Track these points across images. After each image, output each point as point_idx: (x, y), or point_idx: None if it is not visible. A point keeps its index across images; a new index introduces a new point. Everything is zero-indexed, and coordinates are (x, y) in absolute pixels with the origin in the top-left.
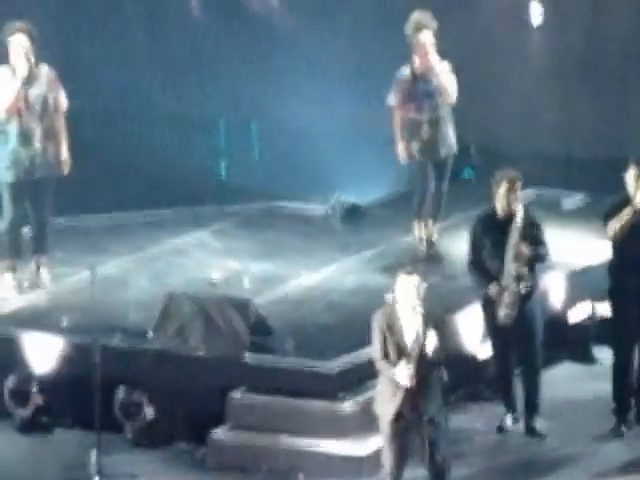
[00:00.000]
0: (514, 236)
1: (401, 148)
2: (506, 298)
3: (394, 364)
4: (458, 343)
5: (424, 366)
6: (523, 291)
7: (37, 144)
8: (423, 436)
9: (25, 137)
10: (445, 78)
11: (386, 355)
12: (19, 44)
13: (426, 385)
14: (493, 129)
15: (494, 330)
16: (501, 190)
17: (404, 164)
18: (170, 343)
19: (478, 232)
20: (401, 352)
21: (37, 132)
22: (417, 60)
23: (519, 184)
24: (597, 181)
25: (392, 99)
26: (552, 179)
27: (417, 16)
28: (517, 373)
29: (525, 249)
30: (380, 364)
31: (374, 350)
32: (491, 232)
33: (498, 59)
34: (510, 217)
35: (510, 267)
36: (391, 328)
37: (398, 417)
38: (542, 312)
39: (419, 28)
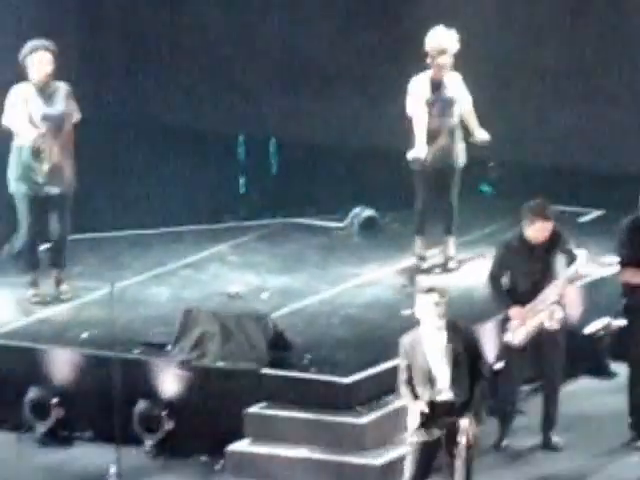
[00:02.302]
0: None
1: (418, 154)
2: (533, 325)
3: (419, 390)
4: None
5: (457, 383)
6: (555, 325)
7: (53, 160)
8: (450, 450)
9: (41, 153)
10: (459, 89)
11: (410, 380)
12: (39, 61)
13: (458, 399)
14: (512, 144)
15: (510, 348)
16: (535, 225)
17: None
18: (189, 357)
19: (509, 258)
20: (426, 376)
21: (53, 149)
22: (433, 72)
23: (552, 216)
24: (612, 197)
25: (410, 107)
26: (568, 194)
27: (441, 37)
28: (533, 389)
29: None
30: (403, 392)
31: (398, 376)
32: (524, 259)
33: (517, 73)
34: (540, 244)
35: (548, 296)
36: (415, 350)
37: (425, 426)
38: (565, 328)
39: (443, 52)
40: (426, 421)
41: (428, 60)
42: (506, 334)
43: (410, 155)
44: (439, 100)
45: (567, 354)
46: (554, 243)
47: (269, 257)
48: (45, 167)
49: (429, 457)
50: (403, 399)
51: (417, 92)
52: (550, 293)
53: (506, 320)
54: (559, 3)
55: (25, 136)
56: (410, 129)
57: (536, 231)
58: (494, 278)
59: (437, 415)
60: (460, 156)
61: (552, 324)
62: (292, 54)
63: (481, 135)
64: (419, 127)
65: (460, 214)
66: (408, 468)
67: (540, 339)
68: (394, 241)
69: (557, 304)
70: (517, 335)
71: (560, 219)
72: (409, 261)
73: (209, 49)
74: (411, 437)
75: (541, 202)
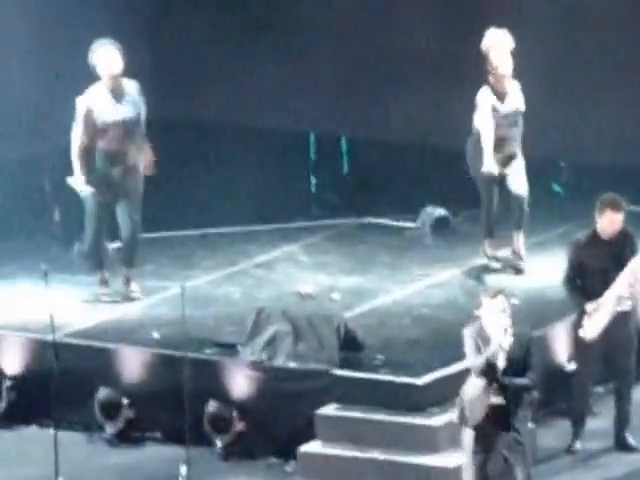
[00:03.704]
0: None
1: (489, 169)
2: (604, 316)
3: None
4: (549, 359)
5: (514, 387)
6: (626, 307)
7: (127, 163)
8: (506, 454)
9: (115, 155)
10: (519, 96)
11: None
12: (108, 58)
13: (514, 402)
14: (582, 144)
15: (583, 347)
16: (605, 216)
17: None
18: (260, 357)
19: (580, 254)
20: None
21: (128, 150)
22: (494, 80)
23: (623, 209)
24: None
25: (478, 121)
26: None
27: (493, 36)
28: (604, 390)
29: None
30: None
31: (471, 359)
32: (595, 255)
33: (589, 73)
34: (613, 239)
35: (617, 289)
36: (483, 346)
37: (482, 432)
38: (635, 327)
39: (494, 47)
40: (481, 429)
41: (488, 69)
42: (580, 330)
43: (482, 171)
44: (503, 110)
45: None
46: (624, 242)
47: (340, 257)
48: (119, 170)
49: (486, 459)
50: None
51: (484, 106)
52: (618, 285)
53: (580, 318)
54: None
55: (75, 185)
56: (478, 143)
57: (606, 223)
58: (569, 278)
59: (491, 420)
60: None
61: (622, 307)
62: (368, 51)
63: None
64: (487, 142)
65: (531, 215)
66: (467, 473)
67: (611, 338)
68: (466, 241)
69: (626, 295)
70: (590, 328)
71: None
72: (480, 261)
73: (280, 47)
74: (467, 445)
75: (613, 194)
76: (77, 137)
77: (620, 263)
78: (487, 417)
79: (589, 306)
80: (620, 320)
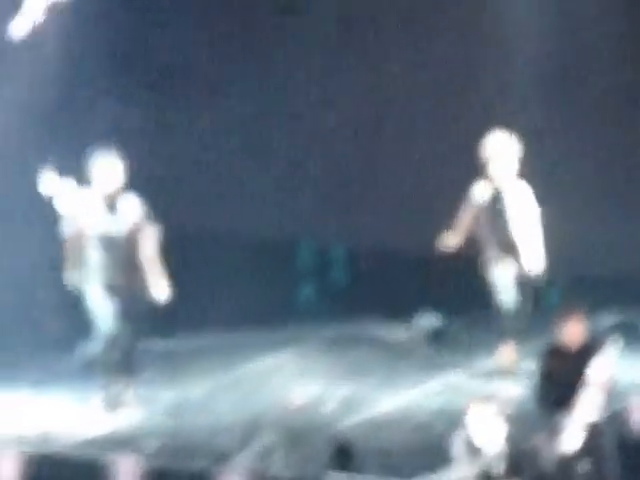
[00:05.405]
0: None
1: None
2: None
3: None
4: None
5: None
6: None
7: (118, 275)
8: None
9: (106, 268)
10: (521, 200)
11: None
12: (106, 177)
13: None
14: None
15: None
16: (563, 327)
17: None
18: (254, 466)
19: (547, 364)
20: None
21: (117, 263)
22: (494, 177)
23: (579, 319)
24: None
25: (460, 213)
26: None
27: (496, 142)
28: None
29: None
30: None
31: (461, 468)
32: (561, 365)
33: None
34: (579, 348)
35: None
36: (472, 455)
37: None
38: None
39: (497, 156)
40: None
41: (485, 167)
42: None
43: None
44: (494, 210)
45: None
46: (590, 352)
47: (333, 365)
48: (113, 280)
49: None
50: None
51: (471, 201)
52: (584, 399)
53: (553, 431)
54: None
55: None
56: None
57: (565, 333)
58: (539, 390)
59: None
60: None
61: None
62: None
63: (531, 265)
64: (456, 232)
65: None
66: None
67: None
68: (461, 349)
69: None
70: (568, 443)
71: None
72: (478, 367)
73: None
74: None
75: (570, 305)
76: (69, 242)
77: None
78: None
79: (560, 420)
80: (594, 432)
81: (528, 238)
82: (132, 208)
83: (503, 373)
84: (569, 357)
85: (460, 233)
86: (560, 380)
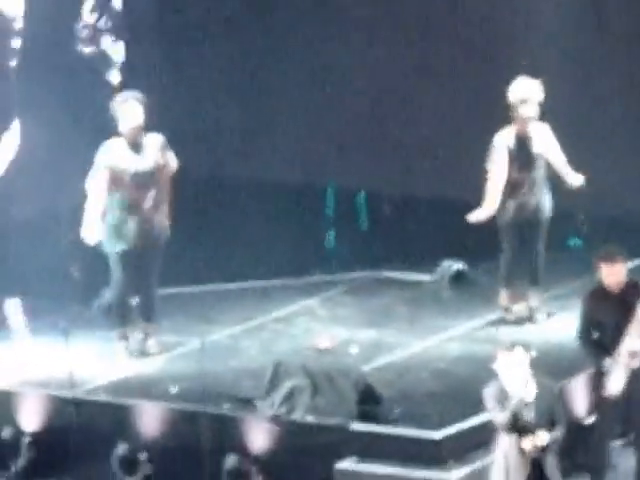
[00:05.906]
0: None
1: (495, 207)
2: (621, 372)
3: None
4: (567, 413)
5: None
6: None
7: (143, 215)
8: None
9: (131, 208)
10: (546, 140)
11: None
12: (130, 112)
13: (549, 457)
14: (600, 196)
15: (602, 402)
16: (601, 270)
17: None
18: (278, 411)
19: (590, 307)
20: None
21: (144, 202)
22: (517, 124)
23: (618, 261)
24: None
25: (493, 162)
26: None
27: (523, 88)
28: (622, 443)
29: None
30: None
31: (495, 416)
32: (605, 308)
33: (604, 125)
34: (621, 291)
35: (629, 342)
36: (505, 402)
37: None
38: None
39: (524, 101)
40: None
41: (511, 112)
42: (604, 388)
43: (473, 216)
44: (522, 154)
45: None
46: (634, 293)
47: (358, 311)
48: (135, 223)
49: None
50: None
51: (499, 147)
52: (629, 339)
53: (599, 374)
54: None
55: (84, 235)
56: (482, 204)
57: (605, 277)
58: (582, 333)
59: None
60: (545, 208)
61: (636, 363)
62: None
63: (575, 180)
64: (493, 184)
65: (548, 268)
66: None
67: (629, 393)
68: (484, 294)
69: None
70: (612, 386)
71: None
72: (497, 314)
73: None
74: None
75: (607, 247)
76: (93, 188)
77: (631, 315)
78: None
79: (606, 362)
80: (636, 374)
81: (562, 162)
82: (156, 145)
83: (523, 318)
84: (612, 298)
85: (492, 203)
86: (604, 322)
